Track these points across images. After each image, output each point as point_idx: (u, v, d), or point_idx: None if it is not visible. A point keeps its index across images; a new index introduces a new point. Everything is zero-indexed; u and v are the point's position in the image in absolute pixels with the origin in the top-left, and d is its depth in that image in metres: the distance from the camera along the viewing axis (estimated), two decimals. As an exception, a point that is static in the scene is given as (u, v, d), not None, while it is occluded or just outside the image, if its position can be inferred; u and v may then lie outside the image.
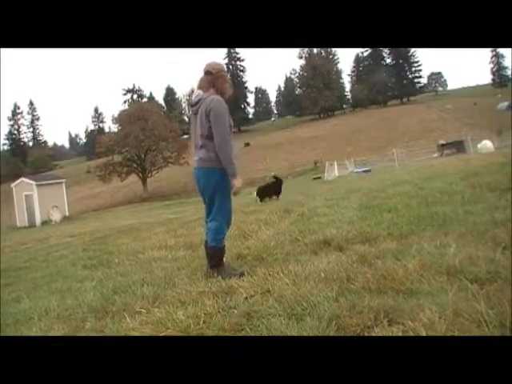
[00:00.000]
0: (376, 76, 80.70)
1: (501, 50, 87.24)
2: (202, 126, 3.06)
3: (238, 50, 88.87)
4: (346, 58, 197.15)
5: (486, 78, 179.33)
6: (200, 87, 3.15)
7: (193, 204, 19.98)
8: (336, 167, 29.19)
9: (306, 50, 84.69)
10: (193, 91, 3.30)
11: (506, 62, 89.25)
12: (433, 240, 3.04)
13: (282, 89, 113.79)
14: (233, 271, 3.09)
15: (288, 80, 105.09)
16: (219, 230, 3.13)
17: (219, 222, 3.13)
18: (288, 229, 4.65)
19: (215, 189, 3.09)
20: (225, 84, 3.18)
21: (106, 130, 78.64)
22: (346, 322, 1.95)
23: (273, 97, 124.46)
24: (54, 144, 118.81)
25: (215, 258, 3.14)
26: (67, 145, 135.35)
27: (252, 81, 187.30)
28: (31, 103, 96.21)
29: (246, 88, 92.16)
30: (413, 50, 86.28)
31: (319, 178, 27.58)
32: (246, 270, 3.09)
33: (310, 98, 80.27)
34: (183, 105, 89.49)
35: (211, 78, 3.11)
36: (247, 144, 60.44)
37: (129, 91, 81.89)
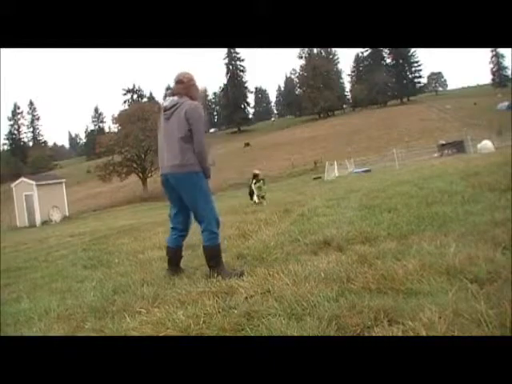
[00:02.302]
0: (376, 76, 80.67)
1: (501, 50, 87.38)
2: (181, 130, 3.13)
3: (238, 49, 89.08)
4: (345, 58, 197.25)
5: (486, 77, 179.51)
6: (175, 94, 3.26)
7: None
8: (336, 167, 29.19)
9: (306, 50, 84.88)
10: (166, 96, 3.45)
11: (506, 62, 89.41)
12: (433, 240, 3.04)
13: (282, 89, 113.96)
14: (232, 271, 3.10)
15: (288, 80, 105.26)
16: (211, 229, 3.19)
17: (209, 221, 3.21)
18: (288, 229, 4.65)
19: (199, 191, 3.18)
20: (196, 92, 3.37)
21: (106, 129, 78.45)
22: (346, 322, 1.95)
23: (273, 97, 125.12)
24: (54, 144, 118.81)
25: (214, 257, 3.16)
26: (67, 145, 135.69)
27: (252, 81, 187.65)
28: (31, 103, 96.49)
29: (246, 88, 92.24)
30: (413, 50, 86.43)
31: (319, 177, 27.55)
32: (245, 270, 3.10)
33: (310, 98, 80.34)
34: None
35: (184, 86, 3.27)
36: (247, 144, 60.41)
37: (129, 91, 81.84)
